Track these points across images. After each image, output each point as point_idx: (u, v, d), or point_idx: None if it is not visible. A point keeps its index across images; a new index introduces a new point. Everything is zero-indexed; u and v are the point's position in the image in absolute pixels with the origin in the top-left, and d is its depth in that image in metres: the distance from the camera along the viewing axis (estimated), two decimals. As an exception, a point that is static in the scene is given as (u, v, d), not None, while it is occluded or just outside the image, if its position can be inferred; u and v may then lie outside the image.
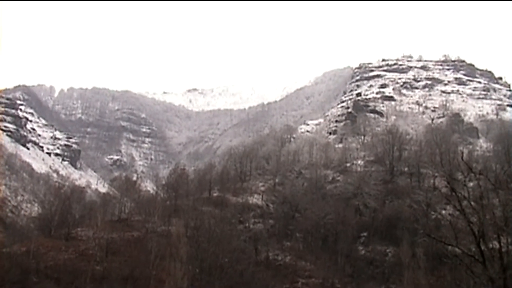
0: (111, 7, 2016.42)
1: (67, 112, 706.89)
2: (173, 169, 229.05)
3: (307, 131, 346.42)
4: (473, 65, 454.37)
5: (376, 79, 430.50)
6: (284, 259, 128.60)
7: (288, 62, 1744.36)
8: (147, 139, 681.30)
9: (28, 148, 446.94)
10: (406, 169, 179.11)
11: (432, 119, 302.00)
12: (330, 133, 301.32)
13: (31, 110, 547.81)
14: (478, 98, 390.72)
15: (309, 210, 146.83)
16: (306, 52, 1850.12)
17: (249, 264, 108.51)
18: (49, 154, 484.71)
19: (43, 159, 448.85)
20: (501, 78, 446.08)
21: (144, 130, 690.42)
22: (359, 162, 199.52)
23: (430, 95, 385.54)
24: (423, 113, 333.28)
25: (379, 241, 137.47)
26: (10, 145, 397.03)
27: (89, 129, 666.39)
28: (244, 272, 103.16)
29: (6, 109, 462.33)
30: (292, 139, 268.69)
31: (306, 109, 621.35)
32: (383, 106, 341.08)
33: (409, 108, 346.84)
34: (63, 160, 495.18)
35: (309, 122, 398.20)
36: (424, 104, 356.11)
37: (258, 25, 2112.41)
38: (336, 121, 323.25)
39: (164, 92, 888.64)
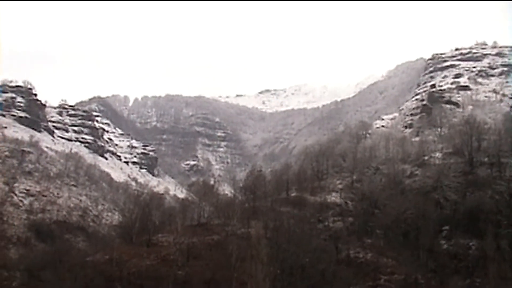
0: (179, 14, 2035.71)
1: (142, 120, 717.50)
2: (249, 171, 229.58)
3: (383, 126, 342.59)
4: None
5: (450, 69, 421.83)
6: (365, 256, 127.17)
7: (360, 57, 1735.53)
8: (222, 143, 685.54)
9: (106, 158, 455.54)
10: (486, 159, 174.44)
11: (511, 107, 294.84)
12: (406, 127, 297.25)
13: (107, 121, 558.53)
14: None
15: (388, 206, 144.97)
16: (377, 46, 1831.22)
17: (330, 263, 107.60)
18: (126, 163, 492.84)
19: (121, 168, 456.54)
20: None
21: (219, 134, 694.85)
22: (437, 154, 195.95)
23: (507, 82, 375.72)
24: (501, 101, 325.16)
25: (461, 234, 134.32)
26: (89, 156, 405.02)
27: (164, 136, 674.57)
28: (325, 271, 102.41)
29: (83, 121, 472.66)
30: (367, 135, 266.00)
31: (380, 104, 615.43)
32: (458, 96, 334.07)
33: (486, 97, 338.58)
34: (140, 168, 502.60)
35: (384, 117, 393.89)
36: (501, 92, 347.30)
37: (328, 23, 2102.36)
38: (412, 114, 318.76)
39: (237, 95, 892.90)
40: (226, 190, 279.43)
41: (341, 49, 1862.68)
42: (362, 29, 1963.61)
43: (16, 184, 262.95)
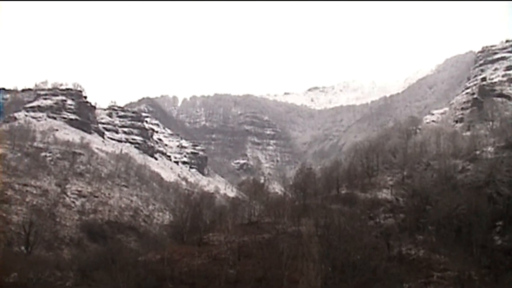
0: (225, 14, 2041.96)
1: (191, 120, 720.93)
2: (299, 169, 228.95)
3: (433, 121, 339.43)
4: None
5: (501, 61, 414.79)
6: (417, 253, 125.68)
7: (408, 52, 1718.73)
8: (271, 141, 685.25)
9: (156, 159, 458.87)
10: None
11: None
12: (456, 121, 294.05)
13: (156, 121, 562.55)
14: None
15: (440, 202, 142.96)
16: (426, 40, 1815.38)
17: (382, 260, 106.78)
18: (176, 162, 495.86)
19: (171, 168, 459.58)
20: None
21: (268, 132, 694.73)
22: (489, 149, 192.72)
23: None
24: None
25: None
26: (139, 157, 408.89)
27: (214, 136, 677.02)
28: (377, 269, 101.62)
29: (133, 122, 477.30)
30: (417, 131, 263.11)
31: (430, 99, 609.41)
32: (510, 89, 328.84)
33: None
34: (190, 167, 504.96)
35: (434, 111, 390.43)
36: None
37: (376, 18, 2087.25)
38: (462, 108, 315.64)
39: (285, 93, 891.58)
40: (276, 188, 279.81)
41: (389, 44, 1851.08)
42: (410, 24, 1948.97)
43: (68, 186, 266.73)
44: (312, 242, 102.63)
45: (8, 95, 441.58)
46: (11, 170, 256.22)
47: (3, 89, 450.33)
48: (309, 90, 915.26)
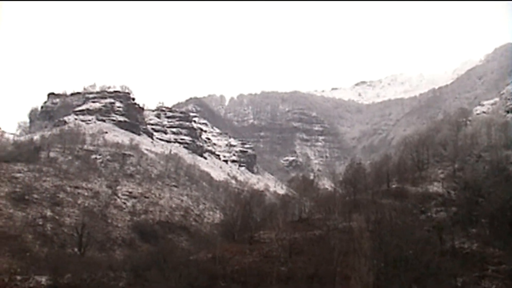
0: (268, 13, 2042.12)
1: (239, 118, 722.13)
2: (349, 165, 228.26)
3: (483, 112, 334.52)
4: None
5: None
6: (470, 246, 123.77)
7: (456, 43, 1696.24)
8: (320, 137, 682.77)
9: (205, 158, 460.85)
10: None
11: None
12: (507, 112, 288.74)
13: (204, 121, 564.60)
14: None
15: (493, 194, 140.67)
16: (473, 30, 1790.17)
17: (435, 255, 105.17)
18: (226, 161, 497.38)
19: (220, 167, 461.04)
20: None
21: (316, 128, 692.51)
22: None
23: None
24: None
25: None
26: (188, 157, 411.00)
27: (262, 133, 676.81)
28: (430, 263, 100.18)
29: (181, 122, 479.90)
30: (467, 122, 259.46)
31: (480, 90, 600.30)
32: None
33: None
34: (240, 166, 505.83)
35: (484, 102, 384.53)
36: None
37: (421, 10, 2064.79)
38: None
39: (333, 88, 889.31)
40: (326, 184, 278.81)
41: (436, 35, 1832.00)
42: (458, 14, 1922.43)
43: (118, 187, 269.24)
44: (363, 238, 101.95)
45: (57, 100, 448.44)
46: (63, 173, 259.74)
47: (53, 93, 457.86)
48: (357, 84, 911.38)
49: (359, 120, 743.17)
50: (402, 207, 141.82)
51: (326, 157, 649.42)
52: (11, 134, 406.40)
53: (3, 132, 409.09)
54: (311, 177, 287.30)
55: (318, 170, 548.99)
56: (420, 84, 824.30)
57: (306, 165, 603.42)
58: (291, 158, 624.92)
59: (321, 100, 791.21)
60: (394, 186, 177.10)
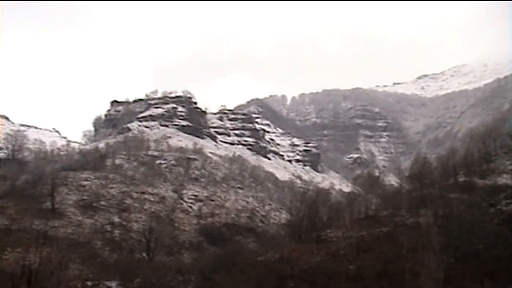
0: (323, 9, 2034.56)
1: (302, 118, 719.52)
2: (414, 159, 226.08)
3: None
4: None
5: None
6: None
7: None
8: (384, 133, 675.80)
9: (269, 159, 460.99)
10: None
11: None
12: None
13: (267, 122, 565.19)
14: None
15: None
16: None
17: (506, 249, 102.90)
18: (290, 161, 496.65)
19: (285, 167, 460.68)
20: None
21: (379, 124, 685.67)
22: None
23: None
24: None
25: None
26: (252, 158, 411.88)
27: (325, 132, 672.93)
28: (501, 257, 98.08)
29: (244, 124, 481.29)
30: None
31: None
32: None
33: None
34: (304, 165, 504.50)
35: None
36: None
37: None
38: None
39: (395, 83, 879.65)
40: (391, 180, 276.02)
41: (498, 23, 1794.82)
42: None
43: (184, 191, 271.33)
44: (431, 233, 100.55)
45: (120, 107, 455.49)
46: (129, 180, 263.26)
47: (116, 101, 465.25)
48: (419, 78, 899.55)
49: (423, 114, 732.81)
50: (470, 201, 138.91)
51: (391, 152, 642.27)
52: (77, 143, 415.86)
53: (69, 141, 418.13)
54: (376, 174, 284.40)
55: (383, 166, 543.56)
56: (484, 75, 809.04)
57: (370, 161, 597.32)
58: (355, 155, 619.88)
59: (383, 96, 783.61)
60: (461, 179, 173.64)
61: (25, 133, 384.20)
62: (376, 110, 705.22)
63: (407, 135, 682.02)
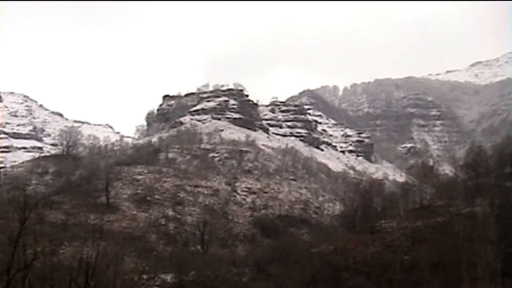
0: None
1: (354, 108, 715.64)
2: (469, 148, 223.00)
3: None
4: None
5: None
6: None
7: None
8: (437, 122, 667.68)
9: (322, 150, 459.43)
10: None
11: None
12: None
13: (319, 113, 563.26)
14: None
15: None
16: None
17: None
18: (342, 152, 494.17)
19: (337, 158, 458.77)
20: None
21: (433, 113, 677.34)
22: None
23: None
24: None
25: None
26: (305, 149, 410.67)
27: (377, 122, 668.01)
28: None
29: (296, 115, 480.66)
30: None
31: None
32: None
33: None
34: (357, 156, 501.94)
35: None
36: None
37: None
38: None
39: (448, 71, 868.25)
40: (446, 169, 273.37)
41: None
42: None
43: (237, 184, 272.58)
44: (488, 223, 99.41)
45: (172, 101, 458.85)
46: (182, 173, 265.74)
47: (168, 96, 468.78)
48: (472, 65, 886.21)
49: (477, 102, 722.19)
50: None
51: (445, 141, 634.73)
52: (130, 137, 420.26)
53: (123, 136, 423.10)
54: (431, 163, 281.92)
55: (437, 155, 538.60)
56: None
57: (424, 151, 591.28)
58: (409, 145, 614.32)
59: (436, 84, 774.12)
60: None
61: (79, 129, 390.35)
62: (429, 98, 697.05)
63: (462, 123, 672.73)
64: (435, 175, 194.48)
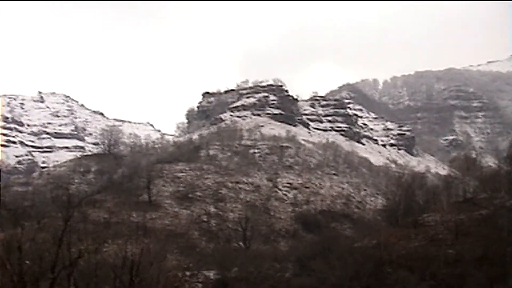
0: None
1: (394, 101, 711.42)
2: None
3: None
4: None
5: None
6: None
7: None
8: (480, 113, 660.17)
9: (363, 144, 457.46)
10: None
11: None
12: None
13: (359, 107, 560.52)
14: None
15: None
16: None
17: None
18: (384, 145, 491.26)
19: (379, 152, 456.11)
20: None
21: (475, 104, 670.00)
22: None
23: None
24: None
25: None
26: (346, 144, 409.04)
27: (418, 114, 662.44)
28: None
29: (336, 110, 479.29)
30: None
31: None
32: None
33: None
34: (398, 149, 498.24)
35: None
36: None
37: None
38: None
39: (489, 62, 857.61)
40: (489, 161, 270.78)
41: None
42: None
43: (279, 179, 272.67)
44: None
45: (212, 98, 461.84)
46: (223, 170, 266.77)
47: (207, 93, 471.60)
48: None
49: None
50: None
51: (488, 133, 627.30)
52: (171, 135, 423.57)
53: (163, 134, 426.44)
54: (473, 155, 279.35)
55: (480, 147, 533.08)
56: None
57: (467, 143, 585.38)
58: (450, 137, 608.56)
59: (477, 75, 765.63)
60: None
61: (120, 127, 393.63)
62: (471, 90, 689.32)
63: (504, 114, 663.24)
64: (478, 168, 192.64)
